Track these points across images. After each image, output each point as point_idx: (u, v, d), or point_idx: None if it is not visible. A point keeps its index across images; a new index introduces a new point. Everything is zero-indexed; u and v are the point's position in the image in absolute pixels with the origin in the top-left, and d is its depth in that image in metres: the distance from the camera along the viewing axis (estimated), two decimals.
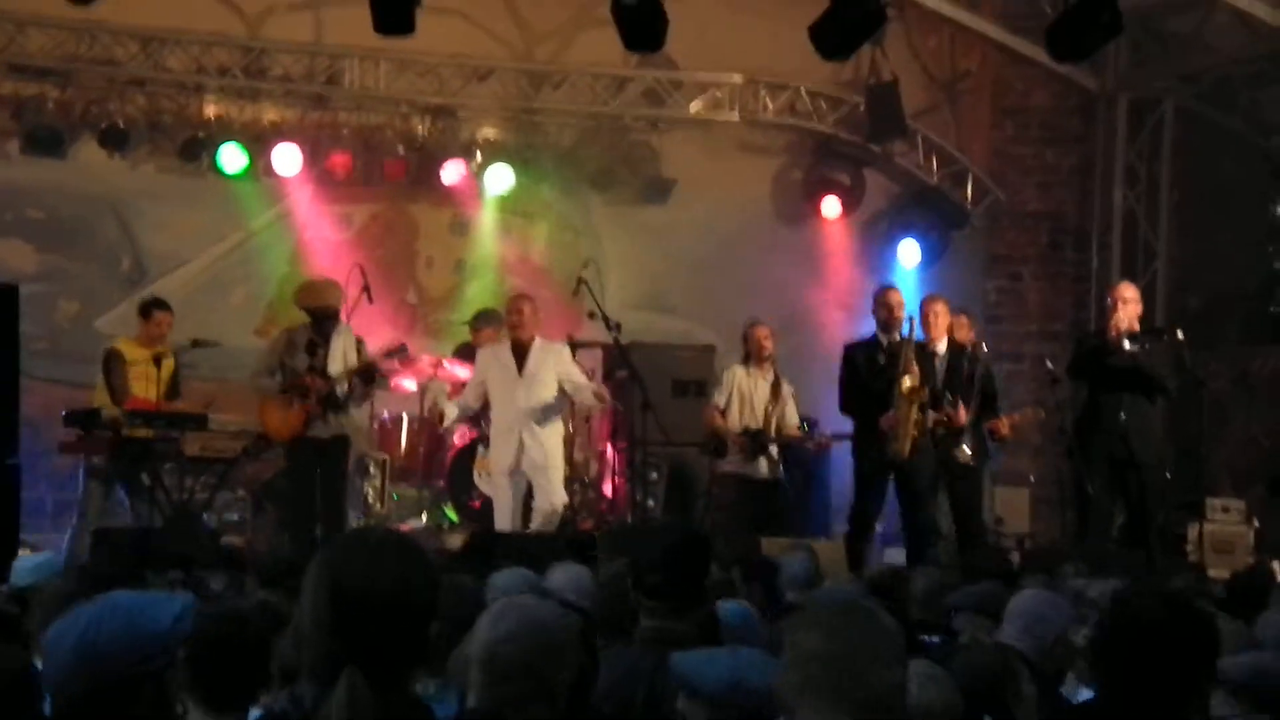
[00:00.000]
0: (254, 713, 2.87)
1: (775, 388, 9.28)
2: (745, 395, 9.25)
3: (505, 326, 8.95)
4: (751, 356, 9.32)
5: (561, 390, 8.69)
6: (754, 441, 9.18)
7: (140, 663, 2.36)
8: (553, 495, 8.62)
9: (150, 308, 8.94)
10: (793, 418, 9.41)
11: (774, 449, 9.27)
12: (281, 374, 8.54)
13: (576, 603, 3.93)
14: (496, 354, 8.83)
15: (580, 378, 8.85)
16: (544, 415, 8.60)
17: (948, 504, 8.85)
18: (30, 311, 8.45)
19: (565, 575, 4.50)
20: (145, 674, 2.37)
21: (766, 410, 9.22)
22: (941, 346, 8.86)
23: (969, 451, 8.69)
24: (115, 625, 2.39)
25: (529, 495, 8.74)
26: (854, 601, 2.68)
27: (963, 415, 8.68)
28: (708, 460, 9.52)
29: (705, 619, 3.68)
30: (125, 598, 2.48)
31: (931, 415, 8.54)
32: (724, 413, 9.25)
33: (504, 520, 8.65)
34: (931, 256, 12.25)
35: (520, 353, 8.66)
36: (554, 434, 8.72)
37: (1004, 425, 9.06)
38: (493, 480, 8.89)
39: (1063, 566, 6.14)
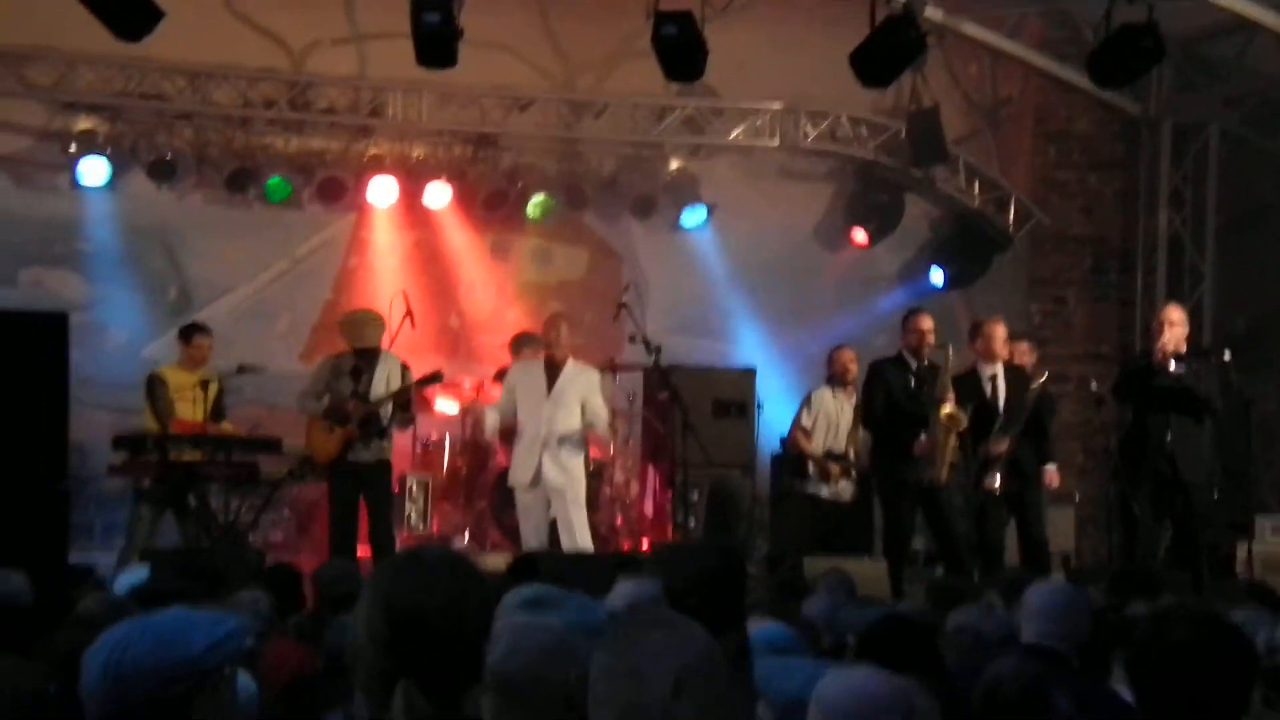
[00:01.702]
0: None
1: (857, 412, 9.17)
2: (831, 418, 9.18)
3: (541, 345, 9.00)
4: (836, 379, 9.22)
5: (582, 413, 8.71)
6: (836, 465, 9.11)
7: (164, 686, 2.32)
8: (575, 530, 8.59)
9: (190, 332, 9.07)
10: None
11: (854, 474, 9.20)
12: (329, 396, 8.63)
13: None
14: (529, 369, 8.92)
15: (602, 408, 8.82)
16: (566, 437, 8.63)
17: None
18: (79, 340, 8.61)
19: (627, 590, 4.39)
20: (171, 698, 2.33)
21: (851, 434, 9.16)
22: (996, 369, 8.78)
23: (998, 480, 8.61)
24: (142, 648, 2.34)
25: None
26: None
27: (999, 447, 8.60)
28: (749, 481, 9.49)
29: (737, 640, 3.65)
30: (161, 619, 2.43)
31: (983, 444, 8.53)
32: (809, 434, 9.17)
33: (529, 537, 8.68)
34: (970, 279, 12.23)
35: (553, 372, 8.71)
36: (575, 458, 8.72)
37: (1053, 476, 8.95)
38: (516, 496, 8.88)
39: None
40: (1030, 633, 4.10)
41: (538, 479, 8.62)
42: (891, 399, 8.61)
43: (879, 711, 2.49)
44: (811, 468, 9.13)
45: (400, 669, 2.30)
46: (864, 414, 8.89)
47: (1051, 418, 9.11)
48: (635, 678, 2.22)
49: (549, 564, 6.72)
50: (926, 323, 8.66)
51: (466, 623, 2.34)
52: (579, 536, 8.58)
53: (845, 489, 9.20)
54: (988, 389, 8.73)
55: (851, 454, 9.14)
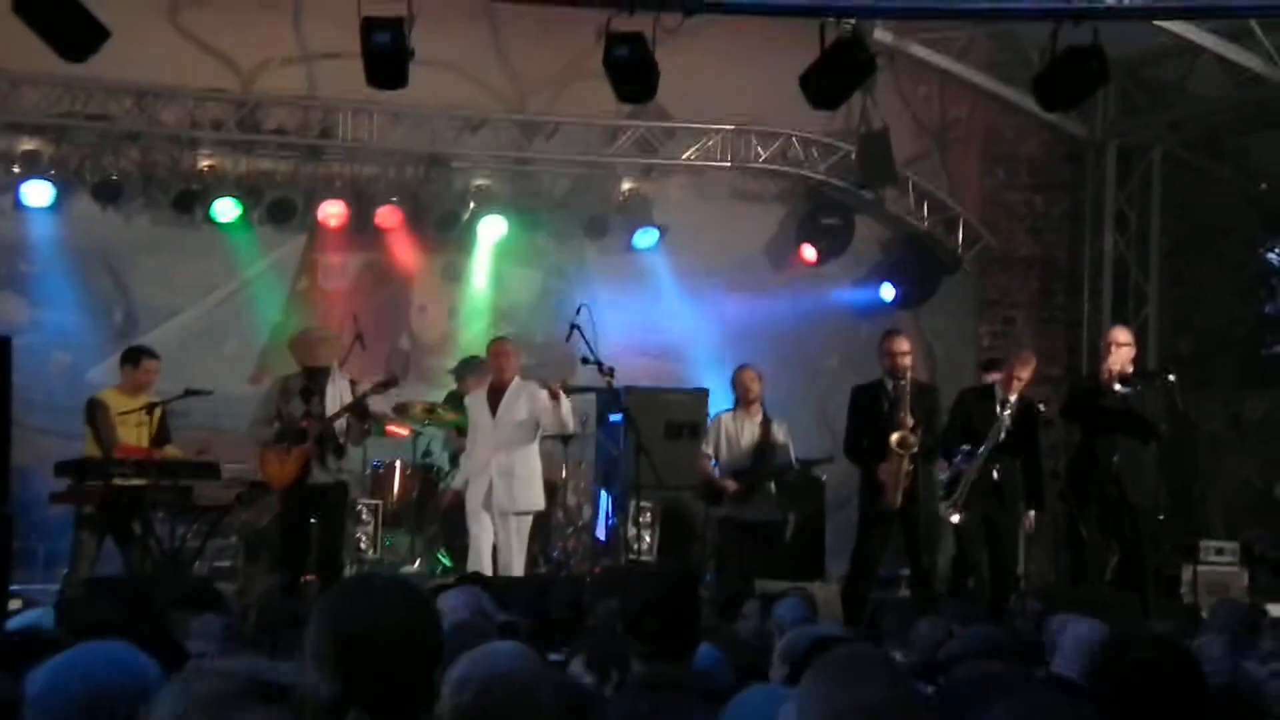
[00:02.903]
0: None
1: (765, 427, 9.30)
2: (733, 440, 9.31)
3: (490, 370, 9.00)
4: (739, 400, 9.37)
5: (537, 425, 8.77)
6: (743, 482, 9.17)
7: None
8: (517, 540, 8.68)
9: (138, 355, 8.91)
10: (786, 455, 9.40)
11: (772, 488, 9.26)
12: (279, 421, 8.53)
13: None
14: (478, 398, 9.03)
15: (547, 406, 8.80)
16: (515, 457, 8.72)
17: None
18: (22, 363, 8.39)
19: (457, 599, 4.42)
20: None
21: (756, 451, 9.26)
22: (1012, 397, 8.64)
23: (955, 516, 8.58)
24: (73, 682, 2.36)
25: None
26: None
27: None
28: (702, 504, 9.51)
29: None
30: (91, 651, 2.44)
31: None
32: (709, 459, 9.32)
33: (477, 561, 8.70)
34: (918, 299, 12.31)
35: (495, 397, 8.82)
36: (524, 478, 8.76)
37: (1030, 523, 8.89)
38: (468, 519, 8.90)
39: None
40: (1060, 666, 4.15)
41: (488, 503, 8.67)
42: (861, 424, 8.67)
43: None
44: (725, 491, 9.24)
45: (348, 696, 2.26)
46: (844, 441, 8.96)
47: (1033, 439, 8.78)
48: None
49: (495, 588, 6.67)
50: (901, 344, 8.68)
51: (416, 648, 2.32)
52: (515, 562, 8.67)
53: (757, 508, 9.25)
54: (999, 408, 8.62)
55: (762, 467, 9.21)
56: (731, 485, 9.23)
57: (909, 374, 8.58)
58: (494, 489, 8.65)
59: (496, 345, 9.16)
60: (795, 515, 10.02)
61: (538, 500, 8.91)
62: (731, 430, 9.34)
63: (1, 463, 7.38)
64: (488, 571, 8.39)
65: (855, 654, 2.50)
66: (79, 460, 8.52)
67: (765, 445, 9.30)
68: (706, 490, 9.43)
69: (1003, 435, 8.47)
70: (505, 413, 8.75)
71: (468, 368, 10.02)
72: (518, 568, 8.67)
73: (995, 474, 8.53)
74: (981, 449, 8.46)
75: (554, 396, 8.69)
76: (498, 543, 8.73)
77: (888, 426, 8.48)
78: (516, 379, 8.87)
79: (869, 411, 8.64)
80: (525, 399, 8.77)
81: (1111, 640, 3.77)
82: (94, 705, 2.34)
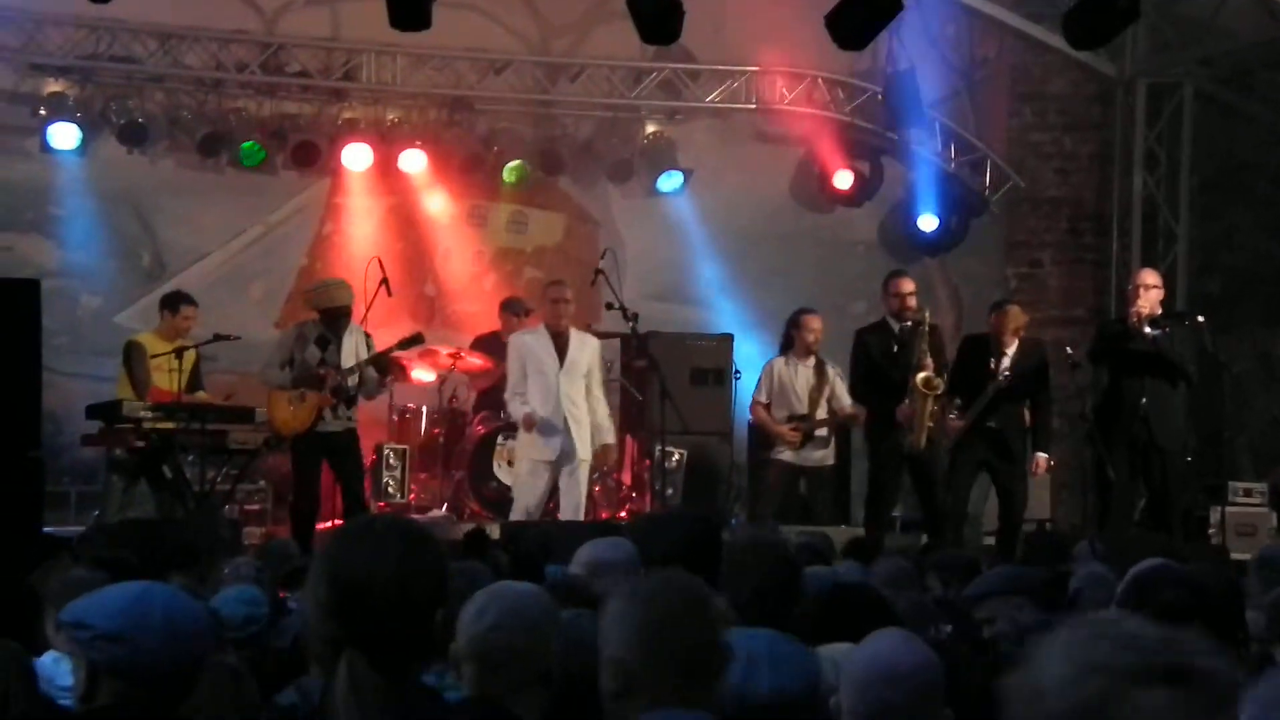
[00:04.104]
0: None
1: (819, 371, 9.07)
2: (787, 385, 9.08)
3: (549, 315, 8.69)
4: (795, 344, 9.08)
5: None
6: (798, 428, 8.96)
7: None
8: (582, 487, 8.60)
9: (178, 302, 8.95)
10: (845, 398, 9.11)
11: (824, 431, 9.10)
12: (291, 368, 8.52)
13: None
14: (535, 341, 8.66)
15: (600, 381, 8.79)
16: (582, 405, 8.56)
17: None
18: (51, 307, 8.51)
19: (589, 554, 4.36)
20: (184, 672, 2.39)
21: (811, 396, 9.05)
22: (1012, 348, 8.61)
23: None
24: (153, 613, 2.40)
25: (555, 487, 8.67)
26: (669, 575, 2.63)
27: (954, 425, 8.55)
28: (727, 448, 9.48)
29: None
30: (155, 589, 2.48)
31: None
32: (768, 407, 9.09)
33: (521, 510, 8.58)
34: (950, 241, 12.23)
35: (560, 342, 8.56)
36: (589, 425, 8.64)
37: (1040, 464, 8.79)
38: (520, 469, 8.76)
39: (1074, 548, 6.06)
40: None
41: (560, 452, 8.49)
42: (873, 366, 8.64)
43: (904, 677, 2.59)
44: (778, 437, 9.04)
45: (347, 638, 2.28)
46: (851, 382, 8.89)
47: (1043, 389, 8.77)
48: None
49: (535, 533, 6.69)
50: (907, 285, 8.66)
51: (414, 593, 2.32)
52: (583, 507, 8.59)
53: (819, 454, 9.10)
54: (993, 361, 8.61)
55: (820, 416, 9.04)
56: (789, 432, 8.98)
57: (924, 314, 8.55)
58: (571, 437, 8.47)
59: (556, 290, 8.77)
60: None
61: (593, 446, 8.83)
62: (786, 376, 9.08)
63: (33, 406, 7.46)
64: (534, 516, 8.39)
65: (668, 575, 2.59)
66: (110, 403, 8.58)
67: (820, 390, 9.04)
68: (764, 437, 9.20)
69: (993, 392, 8.41)
70: (574, 362, 8.53)
71: (516, 308, 9.93)
72: (580, 514, 8.57)
73: (993, 423, 8.51)
74: (972, 407, 8.44)
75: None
76: (563, 491, 8.57)
77: (895, 368, 8.45)
78: (573, 329, 8.66)
79: (878, 353, 8.61)
80: (589, 354, 8.61)
81: (1140, 577, 3.76)
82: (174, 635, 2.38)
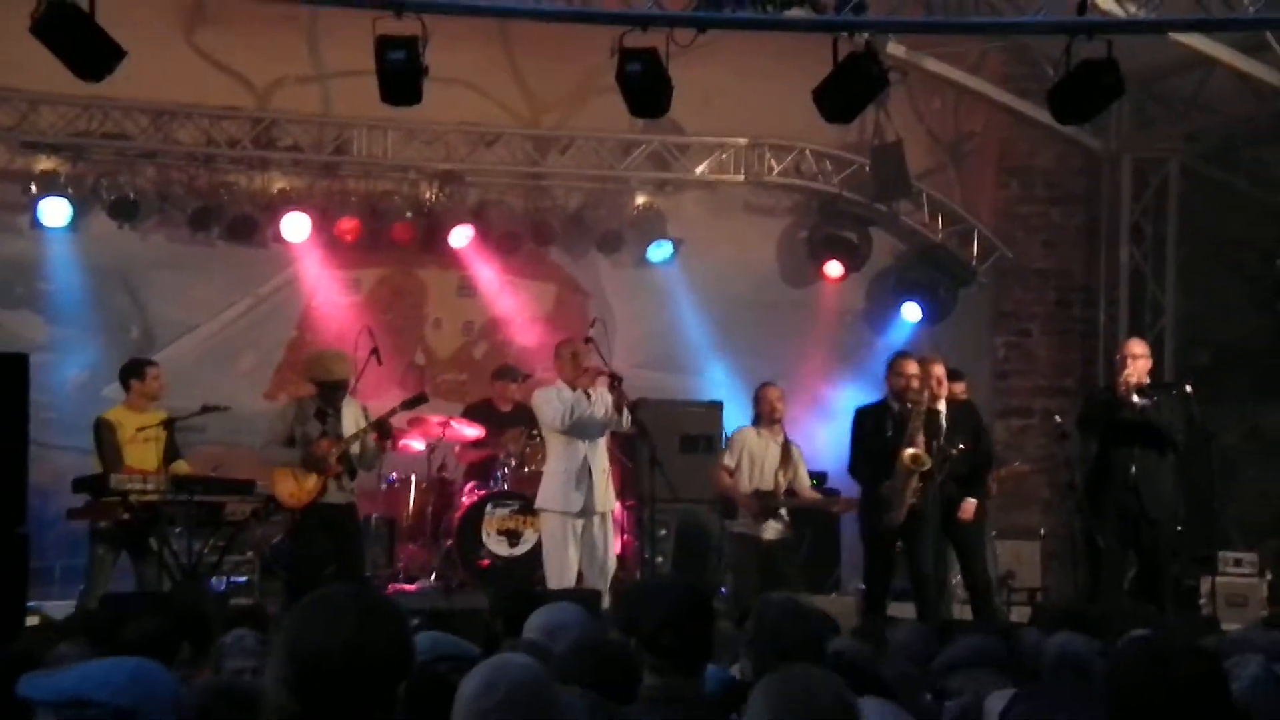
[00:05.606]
0: None
1: (785, 450, 9.19)
2: (756, 457, 9.12)
3: (570, 372, 8.62)
4: (763, 418, 9.18)
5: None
6: (764, 504, 9.07)
7: None
8: (610, 553, 8.58)
9: (141, 366, 8.83)
10: (805, 479, 9.33)
11: (784, 512, 9.18)
12: (295, 444, 8.48)
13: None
14: (559, 392, 8.61)
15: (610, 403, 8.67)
16: (603, 456, 8.62)
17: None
18: (39, 381, 8.50)
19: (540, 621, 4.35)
20: None
21: (776, 473, 9.13)
22: (941, 405, 8.78)
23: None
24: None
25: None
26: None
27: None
28: (718, 516, 9.47)
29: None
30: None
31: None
32: (733, 474, 9.15)
33: (557, 574, 8.37)
34: (937, 314, 12.28)
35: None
36: (609, 475, 8.70)
37: (967, 508, 8.78)
38: (553, 528, 8.57)
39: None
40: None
41: (591, 505, 8.48)
42: (865, 445, 8.66)
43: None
44: (741, 507, 9.07)
45: (303, 714, 2.23)
46: (848, 461, 8.92)
47: (980, 447, 8.86)
48: None
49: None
50: (911, 367, 8.65)
51: (373, 663, 2.26)
52: (610, 563, 8.56)
53: (778, 527, 9.12)
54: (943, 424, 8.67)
55: (780, 493, 9.08)
56: (754, 504, 9.03)
57: (924, 396, 8.55)
58: (596, 488, 8.47)
59: (574, 346, 8.77)
60: (810, 530, 9.93)
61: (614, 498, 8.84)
62: (756, 447, 9.13)
63: (19, 481, 7.43)
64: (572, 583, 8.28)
65: (806, 670, 2.58)
66: (96, 476, 8.53)
67: (785, 467, 9.14)
68: (724, 504, 9.31)
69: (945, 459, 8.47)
70: (593, 414, 8.53)
71: (503, 374, 9.99)
72: (611, 567, 8.57)
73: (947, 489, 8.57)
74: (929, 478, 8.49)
75: (613, 388, 8.45)
76: (592, 546, 8.49)
77: (890, 449, 8.46)
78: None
79: (872, 433, 8.64)
80: (601, 401, 8.59)
81: (1146, 653, 3.72)
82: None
